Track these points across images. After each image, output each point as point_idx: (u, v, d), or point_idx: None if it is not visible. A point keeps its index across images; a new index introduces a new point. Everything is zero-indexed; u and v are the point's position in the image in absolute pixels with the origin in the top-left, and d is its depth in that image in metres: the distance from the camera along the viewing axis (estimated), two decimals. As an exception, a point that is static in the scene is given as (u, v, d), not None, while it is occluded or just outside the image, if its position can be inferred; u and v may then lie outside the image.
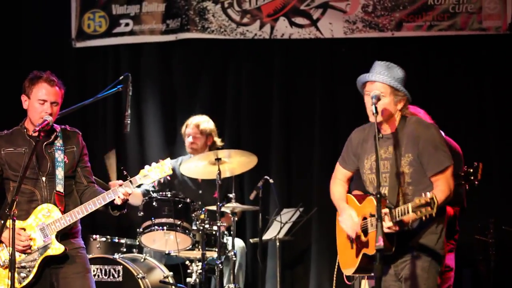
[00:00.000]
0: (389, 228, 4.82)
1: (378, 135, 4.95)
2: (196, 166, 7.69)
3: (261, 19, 8.72)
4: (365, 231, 5.07)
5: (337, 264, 6.41)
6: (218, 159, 7.42)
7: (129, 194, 5.29)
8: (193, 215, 7.43)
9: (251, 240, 8.25)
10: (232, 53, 8.94)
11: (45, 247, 5.28)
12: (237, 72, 8.92)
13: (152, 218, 7.36)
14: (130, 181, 5.28)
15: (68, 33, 9.13)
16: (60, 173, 5.37)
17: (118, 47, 9.15)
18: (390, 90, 5.04)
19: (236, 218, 7.65)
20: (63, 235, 5.34)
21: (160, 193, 7.61)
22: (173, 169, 8.17)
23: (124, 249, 7.50)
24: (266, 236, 7.99)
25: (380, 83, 5.05)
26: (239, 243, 7.97)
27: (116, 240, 7.55)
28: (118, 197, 5.26)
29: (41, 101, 5.35)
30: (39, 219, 5.31)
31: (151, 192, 7.69)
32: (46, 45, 9.01)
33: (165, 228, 7.34)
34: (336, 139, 8.49)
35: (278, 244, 7.97)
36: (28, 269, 5.28)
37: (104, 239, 7.50)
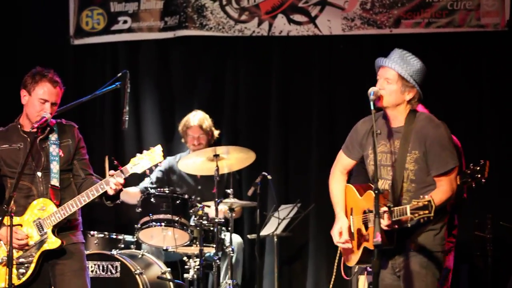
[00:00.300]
0: (387, 226, 4.83)
1: (376, 131, 4.95)
2: (194, 162, 7.71)
3: (259, 16, 8.72)
4: (366, 225, 5.08)
5: (336, 259, 6.44)
6: (216, 156, 7.44)
7: (121, 184, 5.26)
8: (191, 211, 7.44)
9: (248, 236, 8.25)
10: (230, 50, 8.94)
11: (42, 242, 5.29)
12: (235, 69, 8.92)
13: (150, 214, 7.38)
14: (121, 171, 5.25)
15: (66, 30, 9.12)
16: (55, 167, 5.37)
17: (116, 44, 9.15)
18: (397, 78, 5.03)
19: (234, 214, 7.66)
20: (62, 229, 5.35)
21: (158, 189, 7.62)
22: (172, 166, 8.27)
23: (122, 245, 7.51)
24: (264, 232, 7.99)
25: (390, 69, 5.06)
26: (237, 238, 7.98)
27: (114, 236, 7.55)
28: (110, 187, 5.24)
29: (42, 101, 5.35)
30: (35, 214, 5.32)
31: (149, 189, 7.69)
32: (44, 42, 8.99)
33: (163, 224, 7.35)
34: (334, 136, 8.50)
35: (276, 240, 7.98)
36: (26, 265, 5.29)
37: (102, 235, 7.50)
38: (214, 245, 7.32)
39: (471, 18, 8.25)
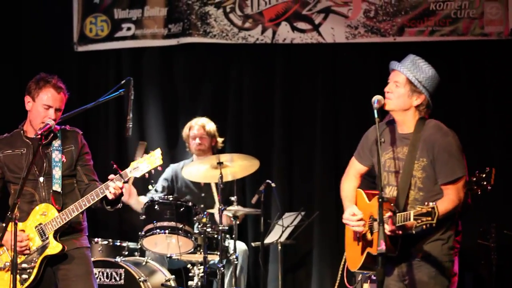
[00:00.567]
0: (391, 231, 4.83)
1: (380, 139, 4.96)
2: (198, 170, 7.71)
3: (263, 24, 8.73)
4: (371, 230, 5.07)
5: (341, 266, 6.43)
6: (220, 163, 7.44)
7: (121, 188, 5.24)
8: (195, 218, 7.43)
9: (253, 244, 8.24)
10: (234, 57, 8.95)
11: (44, 247, 5.29)
12: (239, 77, 8.92)
13: (154, 222, 7.36)
14: (121, 175, 5.23)
15: (70, 37, 9.13)
16: (57, 172, 5.37)
17: (120, 51, 9.15)
18: (406, 82, 5.03)
19: (238, 222, 7.66)
20: (65, 235, 5.35)
21: (162, 196, 7.62)
22: (176, 173, 8.27)
23: (126, 253, 7.49)
24: (268, 239, 7.99)
25: (400, 73, 5.06)
26: (242, 246, 7.97)
27: (118, 243, 7.53)
28: (110, 192, 5.22)
29: (46, 106, 5.36)
30: (37, 219, 5.33)
31: (153, 197, 7.69)
32: (48, 49, 9.01)
33: (167, 231, 7.33)
34: (338, 144, 8.52)
35: (279, 247, 7.97)
36: (28, 271, 5.29)
37: (106, 242, 7.49)
38: (218, 253, 7.30)
39: (474, 26, 8.27)
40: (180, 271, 7.73)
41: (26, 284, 5.29)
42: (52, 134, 5.41)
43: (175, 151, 8.89)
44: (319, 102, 8.67)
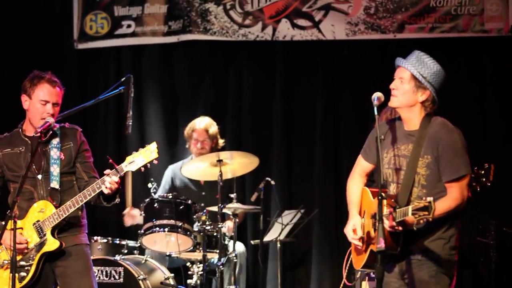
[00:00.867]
0: (390, 227, 4.81)
1: (383, 136, 4.96)
2: (197, 168, 7.70)
3: (263, 21, 8.72)
4: (375, 227, 5.05)
5: (344, 263, 6.42)
6: (219, 161, 7.43)
7: (117, 183, 5.22)
8: (194, 216, 7.43)
9: (252, 242, 8.24)
10: (234, 54, 8.94)
11: (42, 244, 5.30)
12: (239, 74, 8.92)
13: (153, 220, 7.36)
14: (116, 169, 5.22)
15: (70, 35, 9.12)
16: (55, 170, 5.38)
17: (120, 49, 9.15)
18: (410, 78, 5.01)
19: (237, 220, 7.65)
20: (64, 231, 5.36)
21: (161, 194, 7.62)
22: (175, 173, 8.26)
23: (125, 251, 7.49)
24: (267, 237, 7.98)
25: (405, 69, 5.05)
26: (240, 247, 7.95)
27: (117, 242, 7.53)
28: (106, 186, 5.21)
29: (43, 102, 5.37)
30: (35, 216, 5.34)
31: (152, 194, 7.69)
32: (48, 47, 9.01)
33: (166, 229, 7.33)
34: (337, 141, 8.52)
35: (279, 245, 7.96)
36: (26, 268, 5.30)
37: (105, 240, 7.49)
38: (218, 251, 7.30)
39: (475, 23, 8.25)
40: (179, 269, 7.71)
41: (24, 281, 5.29)
42: (51, 132, 5.41)
43: (175, 148, 8.89)
44: (319, 99, 8.67)
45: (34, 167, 5.36)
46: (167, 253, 7.46)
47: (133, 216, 7.85)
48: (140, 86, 8.71)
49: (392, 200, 4.93)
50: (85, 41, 9.14)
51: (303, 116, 8.74)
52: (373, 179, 5.51)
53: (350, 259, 5.58)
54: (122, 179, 5.37)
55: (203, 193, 8.16)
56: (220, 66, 8.98)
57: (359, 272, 6.50)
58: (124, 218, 7.93)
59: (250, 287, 8.42)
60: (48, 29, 9.10)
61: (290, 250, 8.51)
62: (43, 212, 5.32)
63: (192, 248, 7.38)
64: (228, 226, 7.63)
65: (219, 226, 7.29)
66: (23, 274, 5.29)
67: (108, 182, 5.20)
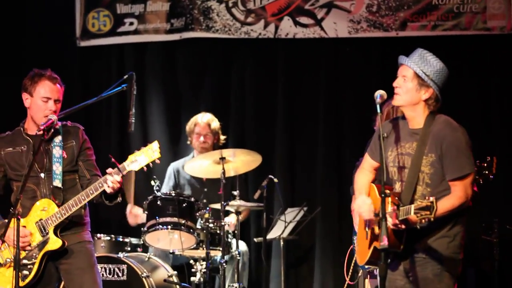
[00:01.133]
0: (393, 225, 4.81)
1: (386, 134, 4.96)
2: (200, 165, 7.69)
3: (265, 19, 8.72)
4: (379, 224, 5.04)
5: (345, 262, 6.42)
6: (222, 158, 7.42)
7: (119, 182, 5.22)
8: (197, 214, 7.43)
9: (255, 239, 8.24)
10: (236, 52, 8.94)
11: (44, 243, 5.30)
12: (241, 72, 8.92)
13: (157, 217, 7.35)
14: (118, 168, 5.22)
15: (73, 32, 9.12)
16: (57, 168, 5.38)
17: (123, 46, 9.15)
18: (413, 76, 5.01)
19: (241, 217, 7.64)
20: (67, 230, 5.36)
21: (165, 192, 7.62)
22: (178, 170, 8.26)
23: (129, 248, 7.49)
24: (270, 235, 7.98)
25: (408, 67, 5.03)
26: (243, 247, 7.95)
27: (121, 239, 7.54)
28: (108, 185, 5.21)
29: (44, 99, 5.37)
30: (37, 215, 5.34)
31: (156, 192, 7.69)
32: (50, 44, 9.00)
33: (169, 227, 7.33)
34: (340, 138, 8.52)
35: (282, 243, 7.97)
36: (29, 267, 5.30)
37: (108, 238, 7.50)
38: (221, 248, 7.30)
39: (477, 21, 8.25)
40: (182, 266, 7.71)
41: (27, 280, 5.30)
42: (53, 130, 5.41)
43: (177, 146, 8.89)
44: (322, 97, 8.67)
45: (36, 165, 5.36)
46: (171, 251, 7.46)
47: (136, 215, 7.85)
48: (142, 84, 8.70)
49: (396, 198, 4.93)
50: (88, 39, 9.14)
51: (305, 113, 8.74)
52: (380, 178, 5.51)
53: (354, 258, 5.58)
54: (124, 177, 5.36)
55: (206, 190, 8.15)
56: (222, 64, 8.98)
57: (361, 270, 6.50)
58: (128, 219, 7.93)
59: (253, 284, 8.42)
60: (51, 27, 9.10)
61: (293, 248, 8.50)
62: (45, 210, 5.32)
63: (195, 245, 7.38)
64: (230, 222, 7.62)
65: (222, 223, 7.29)
66: (25, 272, 5.29)
67: (110, 181, 5.20)
